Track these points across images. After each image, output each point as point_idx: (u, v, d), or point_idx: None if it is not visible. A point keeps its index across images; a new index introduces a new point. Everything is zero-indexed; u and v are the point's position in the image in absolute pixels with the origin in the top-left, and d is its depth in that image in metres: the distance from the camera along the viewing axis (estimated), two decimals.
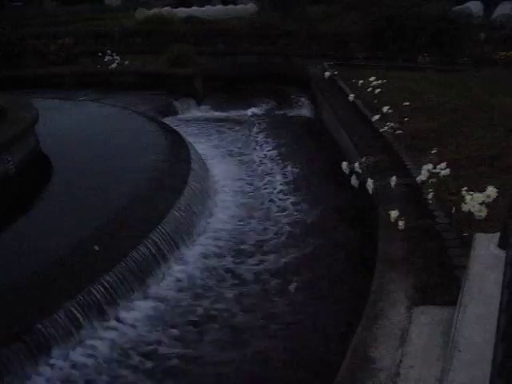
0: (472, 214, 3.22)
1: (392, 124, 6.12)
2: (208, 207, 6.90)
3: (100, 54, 15.58)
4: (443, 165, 3.86)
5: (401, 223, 3.65)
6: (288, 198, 7.33)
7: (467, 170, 4.64)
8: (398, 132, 5.99)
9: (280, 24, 17.26)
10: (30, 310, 4.02)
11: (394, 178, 4.13)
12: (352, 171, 4.44)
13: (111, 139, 8.67)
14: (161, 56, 14.93)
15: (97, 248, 4.77)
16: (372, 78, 8.39)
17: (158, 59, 15.02)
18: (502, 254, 2.16)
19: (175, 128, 9.94)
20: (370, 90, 8.11)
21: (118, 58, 15.31)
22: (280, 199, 7.33)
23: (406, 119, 6.41)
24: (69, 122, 9.87)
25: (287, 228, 6.40)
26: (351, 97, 8.07)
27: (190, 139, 9.30)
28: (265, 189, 7.75)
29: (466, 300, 2.05)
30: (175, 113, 12.53)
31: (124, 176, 6.91)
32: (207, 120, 12.21)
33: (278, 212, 6.88)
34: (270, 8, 20.09)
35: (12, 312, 3.95)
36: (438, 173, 3.85)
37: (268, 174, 8.44)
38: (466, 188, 3.39)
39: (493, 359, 1.25)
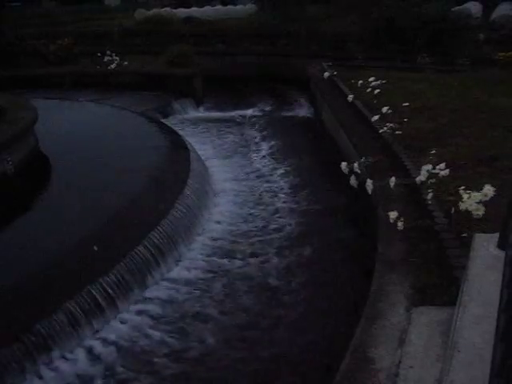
0: (470, 213, 3.22)
1: (391, 124, 6.12)
2: (207, 208, 6.91)
3: (99, 54, 15.58)
4: (442, 165, 3.86)
5: (400, 224, 3.65)
6: (287, 198, 7.33)
7: (466, 170, 4.64)
8: (397, 132, 6.00)
9: (279, 24, 17.27)
10: (31, 311, 4.03)
11: (393, 178, 4.13)
12: (351, 171, 4.44)
13: (110, 140, 8.66)
14: (160, 56, 14.93)
15: (96, 248, 4.77)
16: (371, 79, 8.39)
17: (158, 59, 15.01)
18: (501, 254, 2.16)
19: (174, 128, 9.94)
20: (369, 90, 8.12)
21: (117, 58, 15.31)
22: (279, 199, 7.33)
23: (405, 120, 6.42)
24: (68, 123, 9.85)
25: (286, 228, 6.40)
26: (350, 97, 8.07)
27: (189, 139, 9.30)
28: (264, 188, 7.75)
29: (465, 300, 2.05)
30: (174, 113, 12.53)
31: (123, 177, 6.90)
32: (206, 120, 12.21)
33: (275, 213, 6.89)
34: (270, 8, 20.07)
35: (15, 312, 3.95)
36: (438, 173, 3.85)
37: (267, 173, 8.45)
38: (464, 188, 3.39)
39: (492, 359, 1.25)
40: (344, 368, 2.58)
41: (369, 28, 13.54)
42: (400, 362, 2.49)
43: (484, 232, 2.70)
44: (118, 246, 5.12)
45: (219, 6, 27.32)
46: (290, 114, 12.80)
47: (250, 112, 12.88)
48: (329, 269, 5.46)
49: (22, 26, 22.79)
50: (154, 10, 23.35)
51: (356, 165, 4.41)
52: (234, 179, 8.18)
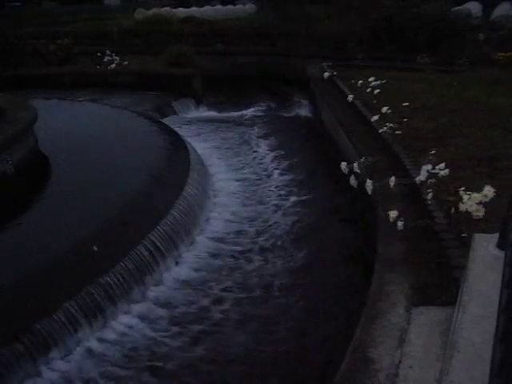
0: (470, 213, 3.22)
1: (391, 124, 6.11)
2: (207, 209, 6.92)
3: (99, 54, 15.58)
4: (442, 165, 3.86)
5: (400, 223, 3.64)
6: (287, 198, 7.33)
7: (466, 170, 4.64)
8: (397, 132, 5.99)
9: (279, 24, 17.26)
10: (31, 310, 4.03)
11: (393, 178, 4.13)
12: (351, 171, 4.43)
13: (110, 139, 8.66)
14: (160, 56, 14.94)
15: (95, 248, 4.77)
16: (371, 79, 8.39)
17: (157, 59, 15.02)
18: (500, 254, 2.16)
19: (174, 128, 9.94)
20: (369, 90, 8.11)
21: (117, 58, 15.31)
22: (278, 199, 7.33)
23: (405, 119, 6.42)
24: (68, 122, 9.85)
25: (285, 227, 6.41)
26: (350, 97, 8.07)
27: (188, 139, 9.30)
28: (263, 188, 7.75)
29: (464, 300, 2.05)
30: (174, 113, 12.53)
31: (123, 176, 6.91)
32: (206, 120, 12.21)
33: (274, 212, 6.89)
34: (269, 8, 20.07)
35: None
36: (437, 173, 3.84)
37: (266, 174, 8.45)
38: (464, 188, 3.39)
39: (492, 359, 1.25)
40: (344, 368, 2.58)
41: (368, 28, 13.53)
42: (400, 362, 2.49)
43: (484, 232, 2.70)
44: (117, 246, 5.13)
45: (219, 6, 27.31)
46: (289, 113, 12.81)
47: (249, 112, 12.88)
48: (328, 268, 5.46)
49: (21, 25, 22.79)
50: (154, 10, 23.34)
51: (356, 165, 4.41)
52: (234, 179, 8.18)
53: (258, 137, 10.70)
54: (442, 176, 3.82)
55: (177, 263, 5.47)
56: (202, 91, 14.06)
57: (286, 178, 8.20)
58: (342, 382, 2.49)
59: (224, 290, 5.08)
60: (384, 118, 6.37)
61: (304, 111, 12.83)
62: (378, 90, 7.85)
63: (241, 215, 6.81)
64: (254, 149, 9.90)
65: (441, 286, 3.09)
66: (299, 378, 3.94)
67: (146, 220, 5.66)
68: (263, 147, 9.96)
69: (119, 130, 9.37)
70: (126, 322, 4.44)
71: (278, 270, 5.44)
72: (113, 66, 15.07)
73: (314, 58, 14.14)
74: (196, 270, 5.39)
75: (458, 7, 16.05)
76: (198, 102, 13.62)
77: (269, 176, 8.34)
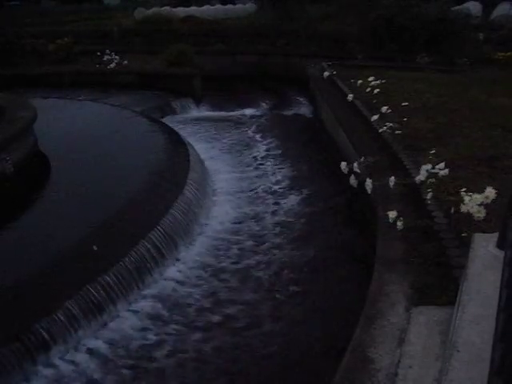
0: (471, 214, 3.22)
1: (391, 124, 6.11)
2: (206, 209, 6.91)
3: (99, 53, 15.59)
4: (442, 165, 3.86)
5: (399, 223, 3.64)
6: (286, 197, 7.34)
7: (466, 170, 4.64)
8: (396, 132, 5.99)
9: (279, 24, 17.27)
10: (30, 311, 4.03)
11: (392, 178, 4.13)
12: (351, 171, 4.43)
13: (110, 139, 8.66)
14: (160, 56, 14.94)
15: (95, 248, 4.77)
16: (371, 78, 8.39)
17: (157, 59, 15.02)
18: (500, 254, 2.16)
19: (173, 127, 9.94)
20: (368, 89, 8.11)
21: (116, 57, 15.32)
22: (277, 198, 7.34)
23: (404, 119, 6.42)
24: (67, 122, 9.85)
25: (284, 226, 6.41)
26: (350, 97, 8.06)
27: (188, 139, 9.30)
28: (262, 188, 7.75)
29: (464, 300, 2.05)
30: (174, 112, 12.53)
31: (123, 175, 6.91)
32: (206, 120, 12.20)
33: (273, 212, 6.89)
34: (269, 8, 20.06)
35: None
36: (437, 173, 3.84)
37: (266, 174, 8.45)
38: (464, 188, 3.39)
39: (491, 359, 1.25)
40: (343, 368, 2.58)
41: (368, 28, 13.53)
42: (399, 361, 2.49)
43: (483, 232, 2.70)
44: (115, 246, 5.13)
45: (219, 6, 27.32)
46: (289, 113, 12.80)
47: (249, 111, 12.88)
48: (328, 268, 5.46)
49: (21, 25, 22.81)
50: (154, 10, 23.36)
51: (355, 164, 4.41)
52: (233, 179, 8.18)
53: (257, 136, 10.70)
54: (442, 176, 3.82)
55: None
56: (201, 91, 14.06)
57: (286, 177, 8.19)
58: (341, 381, 2.49)
59: None
60: (384, 117, 6.36)
61: (304, 111, 12.83)
62: (377, 90, 7.85)
63: (240, 215, 6.81)
64: (254, 148, 9.89)
65: (440, 285, 3.09)
66: None
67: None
68: (262, 146, 9.96)
69: (119, 130, 9.37)
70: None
71: (278, 269, 5.45)
72: (112, 65, 15.07)
73: (313, 57, 14.16)
74: None
75: (458, 7, 16.06)
76: (198, 102, 13.62)
77: (268, 175, 8.33)
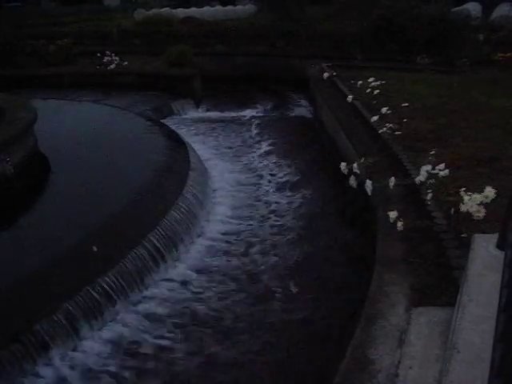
0: (470, 214, 3.22)
1: (391, 125, 6.12)
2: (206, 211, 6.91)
3: (99, 54, 15.59)
4: (442, 166, 3.86)
5: (399, 224, 3.64)
6: (285, 197, 7.34)
7: (466, 170, 4.64)
8: (396, 133, 6.00)
9: (279, 25, 17.27)
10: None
11: (392, 178, 4.13)
12: (350, 172, 4.43)
13: (110, 140, 8.67)
14: (160, 57, 14.94)
15: (95, 249, 4.77)
16: (371, 79, 8.40)
17: (157, 60, 15.03)
18: (500, 254, 2.16)
19: (173, 128, 9.94)
20: (368, 90, 8.12)
21: (116, 58, 15.33)
22: (277, 198, 7.34)
23: (404, 120, 6.42)
24: (67, 123, 9.86)
25: (283, 227, 6.41)
26: (350, 97, 8.07)
27: (188, 140, 9.30)
28: (262, 189, 7.75)
29: (464, 301, 2.05)
30: (174, 113, 12.54)
31: (123, 177, 6.91)
32: (206, 121, 12.21)
33: (273, 213, 6.89)
34: (269, 9, 20.07)
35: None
36: (437, 174, 3.85)
37: (265, 173, 8.45)
38: (464, 189, 3.39)
39: (491, 360, 1.25)
40: (343, 368, 2.58)
41: (368, 28, 13.54)
42: (399, 362, 2.48)
43: (483, 232, 2.70)
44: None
45: (219, 7, 27.33)
46: (289, 114, 12.81)
47: (249, 112, 12.88)
48: (328, 268, 5.46)
49: (21, 26, 22.82)
50: (154, 11, 23.36)
51: (355, 165, 4.41)
52: (232, 179, 8.18)
53: (257, 137, 10.70)
54: (442, 176, 3.82)
55: None
56: (201, 92, 14.07)
57: (285, 177, 8.20)
58: (341, 382, 2.49)
59: None
60: (384, 118, 6.37)
61: (304, 112, 12.84)
62: (377, 91, 7.86)
63: (240, 215, 6.81)
64: (253, 149, 9.90)
65: (440, 286, 3.09)
66: None
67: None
68: (262, 147, 9.96)
69: (119, 131, 9.37)
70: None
71: (277, 267, 5.45)
72: (112, 66, 15.08)
73: (313, 58, 14.16)
74: None
75: (458, 8, 16.07)
76: (198, 103, 13.62)
77: (267, 176, 8.33)
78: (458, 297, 2.32)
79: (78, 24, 25.50)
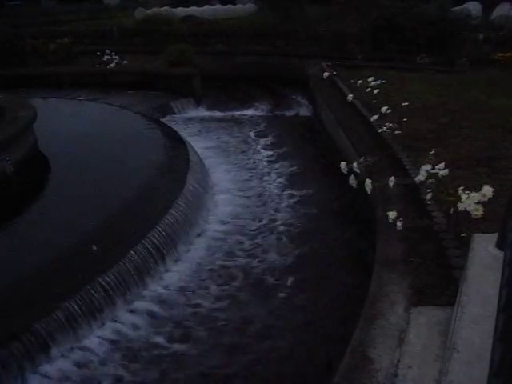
0: (469, 213, 3.22)
1: (391, 124, 6.12)
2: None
3: (99, 53, 15.58)
4: (442, 165, 3.86)
5: (399, 223, 3.64)
6: (285, 198, 7.34)
7: (466, 170, 4.64)
8: (396, 132, 5.99)
9: (279, 24, 17.26)
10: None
11: (392, 178, 4.13)
12: (350, 171, 4.43)
13: (110, 139, 8.66)
14: (160, 56, 14.93)
15: (95, 248, 4.77)
16: (371, 79, 8.39)
17: (157, 59, 15.01)
18: (500, 254, 2.16)
19: (173, 128, 9.94)
20: (368, 90, 8.12)
21: (116, 57, 15.32)
22: (276, 199, 7.34)
23: (404, 119, 6.42)
24: (67, 122, 9.86)
25: (284, 227, 6.40)
26: (350, 97, 8.07)
27: (188, 139, 9.30)
28: (262, 188, 7.75)
29: (464, 300, 2.05)
30: (173, 112, 12.53)
31: (122, 176, 6.91)
32: (206, 120, 12.21)
33: (274, 211, 6.89)
34: (269, 8, 20.06)
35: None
36: (437, 173, 3.85)
37: (264, 172, 8.45)
38: (463, 188, 3.39)
39: (491, 359, 1.25)
40: (343, 368, 2.58)
41: (368, 28, 13.54)
42: (399, 361, 2.49)
43: (483, 232, 2.70)
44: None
45: (218, 6, 27.31)
46: (289, 113, 12.80)
47: (249, 112, 12.88)
48: (327, 268, 5.46)
49: (21, 24, 22.79)
50: (154, 10, 23.35)
51: (355, 164, 4.41)
52: (232, 178, 8.18)
53: (257, 136, 10.70)
54: (442, 176, 3.82)
55: None
56: (201, 91, 14.06)
57: (285, 177, 8.19)
58: (341, 381, 2.49)
59: None
60: (383, 117, 6.37)
61: (303, 111, 12.83)
62: (377, 90, 7.85)
63: (240, 216, 6.81)
64: (253, 148, 9.89)
65: (440, 286, 3.09)
66: None
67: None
68: (262, 146, 9.96)
69: (118, 130, 9.37)
70: None
71: (276, 267, 5.45)
72: (112, 65, 15.07)
73: (313, 57, 14.15)
74: None
75: (458, 7, 16.06)
76: (198, 102, 13.61)
77: (267, 175, 8.33)
78: (458, 296, 2.32)
79: (77, 23, 25.49)
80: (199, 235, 6.20)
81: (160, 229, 5.43)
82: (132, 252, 4.93)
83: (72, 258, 4.71)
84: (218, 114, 12.90)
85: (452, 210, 3.49)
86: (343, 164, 4.44)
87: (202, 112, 13.17)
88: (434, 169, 3.89)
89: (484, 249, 2.35)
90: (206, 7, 26.11)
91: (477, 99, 7.61)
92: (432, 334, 2.63)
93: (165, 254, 5.35)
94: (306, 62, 13.97)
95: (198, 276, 5.32)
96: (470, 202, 3.18)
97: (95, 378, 3.88)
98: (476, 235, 2.53)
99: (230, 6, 26.79)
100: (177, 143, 8.47)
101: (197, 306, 4.81)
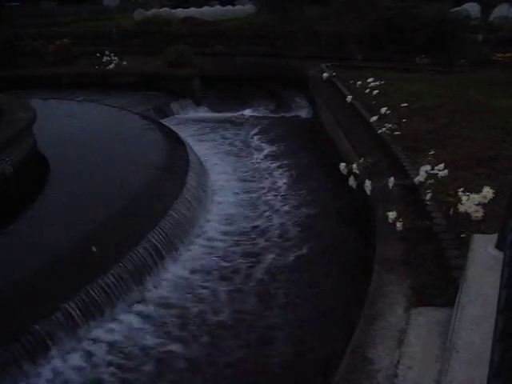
0: (469, 214, 3.22)
1: (390, 125, 6.12)
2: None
3: (98, 54, 15.59)
4: (441, 166, 3.86)
5: (399, 224, 3.64)
6: (284, 198, 7.33)
7: (465, 171, 4.64)
8: (395, 133, 5.99)
9: (278, 25, 17.28)
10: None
11: (391, 178, 4.13)
12: (350, 172, 4.44)
13: (109, 140, 8.66)
14: (159, 57, 14.94)
15: (94, 249, 4.77)
16: (370, 79, 8.41)
17: (156, 60, 15.02)
18: (499, 254, 2.16)
19: (173, 129, 9.93)
20: (367, 91, 8.12)
21: (116, 58, 15.33)
22: (276, 199, 7.34)
23: (404, 120, 6.42)
24: (66, 123, 9.84)
25: (283, 227, 6.41)
26: (349, 98, 8.07)
27: (187, 140, 9.30)
28: (261, 189, 7.75)
29: (463, 301, 2.05)
30: (173, 113, 12.53)
31: (121, 177, 6.90)
32: (205, 121, 12.21)
33: (273, 213, 6.89)
34: (268, 9, 20.08)
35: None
36: (436, 174, 3.85)
37: (264, 173, 8.45)
38: (463, 189, 3.39)
39: (490, 360, 1.25)
40: (343, 368, 2.58)
41: (368, 29, 13.55)
42: (399, 362, 2.48)
43: (483, 232, 2.70)
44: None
45: (218, 7, 27.35)
46: (288, 114, 12.81)
47: (249, 112, 12.89)
48: (327, 269, 5.46)
49: (20, 25, 22.82)
50: (153, 11, 23.37)
51: (355, 165, 4.41)
52: (232, 179, 8.19)
53: (256, 137, 10.71)
54: (441, 177, 3.82)
55: None
56: (201, 92, 14.07)
57: (285, 178, 8.19)
58: (341, 382, 2.49)
59: None
60: (383, 118, 6.37)
61: (303, 112, 12.84)
62: (376, 91, 7.86)
63: (240, 216, 6.81)
64: (252, 149, 9.90)
65: (440, 286, 3.09)
66: None
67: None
68: (261, 147, 9.97)
69: (118, 131, 9.36)
70: None
71: (277, 266, 5.45)
72: (112, 66, 15.08)
73: (313, 58, 14.16)
74: None
75: (457, 8, 16.09)
76: (198, 103, 13.62)
77: (267, 176, 8.33)
78: (457, 297, 2.32)
79: (77, 24, 25.50)
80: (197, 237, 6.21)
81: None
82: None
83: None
84: (217, 114, 12.91)
85: (452, 210, 3.49)
86: (343, 165, 4.45)
87: (202, 113, 13.18)
88: (433, 169, 3.90)
89: (484, 249, 2.34)
90: (206, 8, 26.15)
91: (476, 100, 7.62)
92: (432, 334, 2.63)
93: None
94: (305, 63, 13.98)
95: None
96: (471, 203, 3.18)
97: None
98: (476, 236, 2.52)
99: (229, 7, 26.84)
100: (176, 145, 8.47)
101: None
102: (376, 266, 3.52)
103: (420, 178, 3.95)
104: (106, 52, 15.59)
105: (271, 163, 8.98)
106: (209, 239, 6.13)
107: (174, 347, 4.22)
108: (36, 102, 9.72)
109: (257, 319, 4.64)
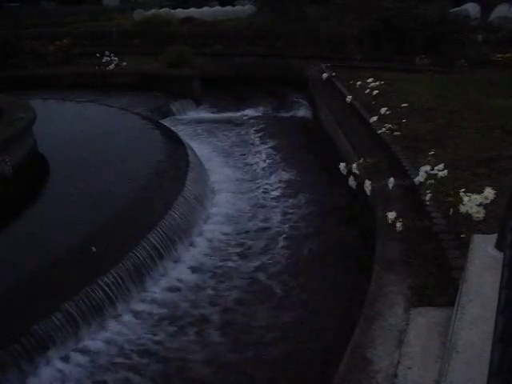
0: (470, 215, 3.22)
1: (390, 125, 6.12)
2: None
3: (98, 54, 15.60)
4: (441, 166, 3.86)
5: (398, 224, 3.64)
6: (284, 198, 7.33)
7: (465, 171, 4.65)
8: (395, 133, 6.00)
9: (278, 25, 17.28)
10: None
11: (391, 179, 4.13)
12: (350, 172, 4.44)
13: (109, 141, 8.65)
14: (159, 57, 14.95)
15: (94, 249, 4.77)
16: (370, 80, 8.41)
17: (156, 60, 15.03)
18: (499, 255, 2.16)
19: (173, 129, 9.93)
20: (367, 91, 8.13)
21: (115, 58, 15.33)
22: (276, 199, 7.34)
23: (403, 120, 6.42)
24: (66, 123, 9.84)
25: (283, 228, 6.40)
26: (349, 98, 8.08)
27: (187, 140, 9.30)
28: (261, 189, 7.75)
29: (463, 301, 2.05)
30: (173, 114, 12.53)
31: (121, 178, 6.90)
32: (205, 121, 12.21)
33: (273, 213, 6.89)
34: (268, 9, 20.08)
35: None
36: (436, 174, 3.85)
37: (264, 173, 8.45)
38: (463, 189, 3.39)
39: (490, 360, 1.25)
40: (342, 369, 2.58)
41: (367, 29, 13.56)
42: (398, 362, 2.48)
43: (482, 233, 2.70)
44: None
45: (217, 7, 27.36)
46: (288, 114, 12.81)
47: (248, 113, 12.88)
48: (327, 269, 5.46)
49: (20, 26, 22.83)
50: (153, 11, 23.39)
51: (355, 166, 4.41)
52: (231, 179, 8.18)
53: (256, 137, 10.70)
54: (441, 177, 3.82)
55: None
56: (201, 92, 14.07)
57: (284, 178, 8.19)
58: (340, 382, 2.49)
59: None
60: (383, 118, 6.37)
61: (303, 112, 12.84)
62: (376, 91, 7.86)
63: (240, 217, 6.81)
64: (252, 149, 9.90)
65: (439, 286, 3.09)
66: None
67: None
68: (261, 147, 9.96)
69: (118, 131, 9.35)
70: None
71: (277, 266, 5.45)
72: (111, 66, 15.08)
73: (312, 58, 14.18)
74: None
75: (457, 8, 16.10)
76: (197, 103, 13.63)
77: (266, 176, 8.33)
78: (457, 297, 2.32)
79: (77, 24, 25.51)
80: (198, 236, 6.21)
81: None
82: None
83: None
84: (217, 115, 12.91)
85: (451, 210, 3.49)
86: (342, 165, 4.45)
87: (202, 113, 13.18)
88: (433, 169, 3.90)
89: (483, 249, 2.34)
90: (205, 8, 26.17)
91: (476, 100, 7.62)
92: (431, 334, 2.63)
93: None
94: (305, 63, 13.99)
95: None
96: (472, 204, 3.18)
97: None
98: (475, 236, 2.52)
99: (229, 8, 26.86)
100: (176, 145, 8.46)
101: None
102: (376, 266, 3.52)
103: (420, 178, 3.95)
104: (106, 52, 15.60)
105: (271, 163, 8.98)
106: (209, 240, 6.14)
107: None
108: (36, 102, 9.70)
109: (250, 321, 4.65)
